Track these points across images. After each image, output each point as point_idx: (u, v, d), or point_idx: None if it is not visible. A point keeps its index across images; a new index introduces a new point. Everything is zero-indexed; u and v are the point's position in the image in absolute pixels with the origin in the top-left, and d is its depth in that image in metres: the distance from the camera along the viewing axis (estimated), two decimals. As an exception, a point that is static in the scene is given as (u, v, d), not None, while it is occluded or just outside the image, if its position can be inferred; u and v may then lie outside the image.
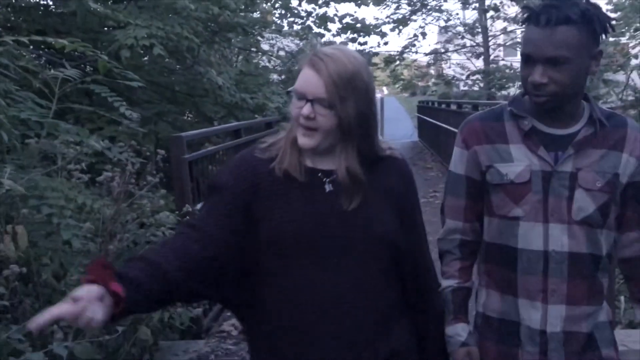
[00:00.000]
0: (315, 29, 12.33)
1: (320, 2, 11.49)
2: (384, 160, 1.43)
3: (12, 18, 5.81)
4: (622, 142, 1.45)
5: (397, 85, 19.19)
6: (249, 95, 6.83)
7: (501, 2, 14.00)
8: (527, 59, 1.41)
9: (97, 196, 2.57)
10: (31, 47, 4.52)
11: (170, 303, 1.51)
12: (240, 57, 9.21)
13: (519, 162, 1.46)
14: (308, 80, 1.32)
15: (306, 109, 1.31)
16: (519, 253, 1.45)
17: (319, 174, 1.37)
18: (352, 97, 1.30)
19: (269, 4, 9.14)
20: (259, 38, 9.07)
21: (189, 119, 7.33)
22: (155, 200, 2.86)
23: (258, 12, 8.35)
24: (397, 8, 15.22)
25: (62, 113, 3.71)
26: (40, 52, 5.26)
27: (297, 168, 1.35)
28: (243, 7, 7.13)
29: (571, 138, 1.44)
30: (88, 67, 5.32)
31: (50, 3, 6.18)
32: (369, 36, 13.69)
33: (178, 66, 6.54)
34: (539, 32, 1.37)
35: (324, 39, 13.43)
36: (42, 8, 6.10)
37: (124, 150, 2.79)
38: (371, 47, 14.87)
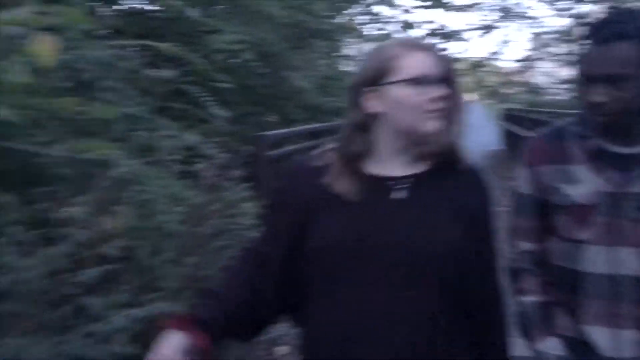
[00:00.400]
0: (398, 35, 12.43)
1: (402, 8, 11.61)
2: (461, 170, 1.29)
3: (118, 22, 6.33)
4: None
5: (480, 92, 18.89)
6: (332, 98, 7.06)
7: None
8: (586, 78, 1.38)
9: (189, 186, 2.85)
10: (135, 49, 4.95)
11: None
12: (324, 62, 9.46)
13: (584, 183, 1.41)
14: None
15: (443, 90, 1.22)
16: (585, 277, 1.41)
17: (386, 182, 1.24)
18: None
19: (351, 10, 9.33)
20: (342, 43, 9.32)
21: (273, 120, 7.66)
22: (238, 193, 3.11)
23: (346, 17, 8.56)
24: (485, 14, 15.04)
25: (159, 110, 4.06)
26: (142, 53, 5.72)
27: (351, 189, 1.22)
28: (327, 13, 7.39)
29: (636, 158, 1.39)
30: (183, 68, 5.74)
31: (152, 8, 6.67)
32: (452, 41, 13.63)
33: (266, 70, 6.86)
34: (596, 50, 1.35)
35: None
36: (144, 14, 6.59)
37: (213, 146, 3.07)
38: (454, 52, 14.79)
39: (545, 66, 16.17)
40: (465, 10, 13.31)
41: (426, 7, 11.34)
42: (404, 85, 1.21)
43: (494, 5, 14.69)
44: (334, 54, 9.49)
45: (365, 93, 1.24)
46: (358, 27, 9.62)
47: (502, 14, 14.64)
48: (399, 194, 1.23)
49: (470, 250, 1.23)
